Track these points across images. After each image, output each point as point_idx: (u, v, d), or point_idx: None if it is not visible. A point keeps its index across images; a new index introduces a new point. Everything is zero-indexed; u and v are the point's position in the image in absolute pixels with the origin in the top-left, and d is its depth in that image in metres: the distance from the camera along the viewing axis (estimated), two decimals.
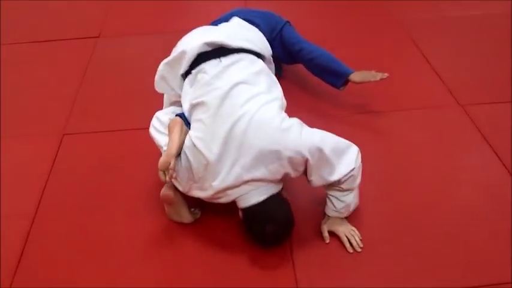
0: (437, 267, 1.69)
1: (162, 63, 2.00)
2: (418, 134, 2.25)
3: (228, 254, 1.76)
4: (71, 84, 2.66)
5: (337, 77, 2.28)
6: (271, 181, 1.68)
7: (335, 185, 1.71)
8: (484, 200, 1.93)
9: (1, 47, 3.02)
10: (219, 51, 1.89)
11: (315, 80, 2.40)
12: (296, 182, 1.78)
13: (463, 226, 1.83)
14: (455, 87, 2.52)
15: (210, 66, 1.85)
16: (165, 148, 1.74)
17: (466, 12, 3.19)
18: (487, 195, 1.95)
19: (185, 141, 1.72)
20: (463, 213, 1.88)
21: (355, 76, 2.22)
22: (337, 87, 2.31)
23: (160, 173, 1.71)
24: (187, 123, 1.79)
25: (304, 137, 1.65)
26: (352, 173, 1.68)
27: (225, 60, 1.86)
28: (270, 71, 1.97)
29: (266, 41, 2.14)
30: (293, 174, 1.69)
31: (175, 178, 1.74)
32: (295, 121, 1.71)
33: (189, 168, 1.69)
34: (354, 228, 1.78)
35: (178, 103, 1.96)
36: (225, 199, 1.72)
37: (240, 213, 1.75)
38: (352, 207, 1.78)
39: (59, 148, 2.24)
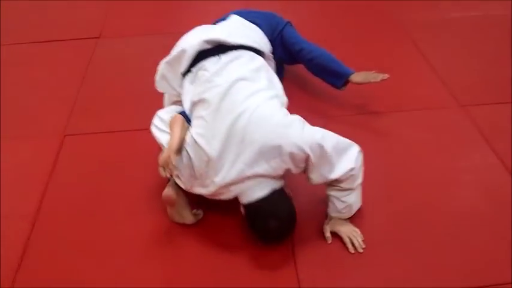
0: (438, 268, 1.69)
1: (162, 62, 2.01)
2: (418, 134, 2.25)
3: (230, 254, 1.76)
4: (72, 85, 2.66)
5: (337, 78, 2.28)
6: (273, 177, 1.69)
7: (334, 184, 1.72)
8: (485, 200, 1.93)
9: (1, 48, 3.02)
10: (218, 48, 1.90)
11: (315, 80, 2.40)
12: (298, 182, 1.79)
13: (464, 227, 1.83)
14: (456, 88, 2.52)
15: (210, 64, 1.86)
16: (166, 146, 1.74)
17: (466, 12, 3.20)
18: (487, 196, 1.95)
19: (186, 138, 1.72)
20: (463, 214, 1.88)
21: (356, 77, 2.22)
22: (338, 88, 2.31)
23: (161, 169, 1.69)
24: (189, 121, 1.80)
25: (306, 134, 1.65)
26: (351, 172, 1.68)
27: (225, 57, 1.87)
28: (270, 68, 1.98)
29: (265, 37, 2.15)
30: (294, 170, 1.69)
31: (177, 175, 1.74)
32: (296, 118, 1.71)
33: (191, 165, 1.69)
34: (356, 229, 1.79)
35: (179, 103, 1.97)
36: (227, 195, 1.72)
37: (242, 210, 1.75)
38: (354, 208, 1.78)
39: (59, 149, 2.24)
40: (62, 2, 3.51)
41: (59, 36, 3.12)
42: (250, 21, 2.21)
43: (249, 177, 1.65)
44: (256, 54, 1.96)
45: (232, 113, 1.66)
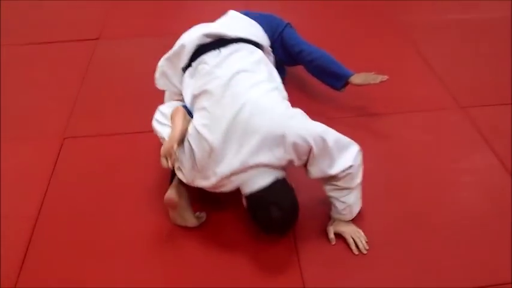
0: (439, 268, 1.70)
1: (162, 59, 2.03)
2: (418, 136, 2.26)
3: (234, 255, 1.76)
4: (71, 86, 2.66)
5: (337, 79, 2.28)
6: (276, 167, 1.68)
7: (332, 182, 1.72)
8: (485, 202, 1.94)
9: (1, 48, 3.01)
10: (218, 42, 1.91)
11: (315, 81, 2.40)
12: (300, 182, 1.78)
13: (464, 228, 1.84)
14: (456, 89, 2.53)
15: (210, 57, 1.87)
16: (167, 139, 1.73)
17: (466, 14, 3.20)
18: (487, 197, 1.96)
19: (188, 130, 1.72)
20: (464, 215, 1.89)
21: (355, 78, 2.22)
22: (337, 89, 2.31)
23: (163, 160, 1.67)
24: (190, 115, 1.79)
25: (309, 126, 1.67)
26: (350, 170, 1.68)
27: (225, 50, 1.88)
28: (269, 62, 1.99)
29: (264, 32, 2.15)
30: (297, 162, 1.69)
31: (178, 168, 1.73)
32: (299, 111, 1.73)
33: (193, 157, 1.69)
34: (359, 230, 1.79)
35: (180, 101, 1.96)
36: (228, 186, 1.71)
37: (244, 202, 1.74)
38: (354, 210, 1.79)
39: (60, 150, 2.23)
40: (62, 3, 3.51)
41: (58, 37, 3.12)
42: None
43: (251, 167, 1.64)
44: (255, 48, 1.97)
45: (235, 103, 1.66)
